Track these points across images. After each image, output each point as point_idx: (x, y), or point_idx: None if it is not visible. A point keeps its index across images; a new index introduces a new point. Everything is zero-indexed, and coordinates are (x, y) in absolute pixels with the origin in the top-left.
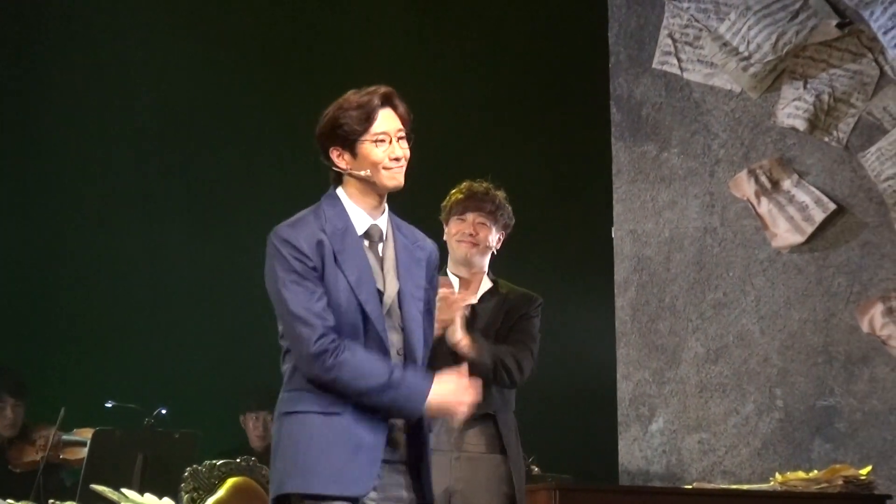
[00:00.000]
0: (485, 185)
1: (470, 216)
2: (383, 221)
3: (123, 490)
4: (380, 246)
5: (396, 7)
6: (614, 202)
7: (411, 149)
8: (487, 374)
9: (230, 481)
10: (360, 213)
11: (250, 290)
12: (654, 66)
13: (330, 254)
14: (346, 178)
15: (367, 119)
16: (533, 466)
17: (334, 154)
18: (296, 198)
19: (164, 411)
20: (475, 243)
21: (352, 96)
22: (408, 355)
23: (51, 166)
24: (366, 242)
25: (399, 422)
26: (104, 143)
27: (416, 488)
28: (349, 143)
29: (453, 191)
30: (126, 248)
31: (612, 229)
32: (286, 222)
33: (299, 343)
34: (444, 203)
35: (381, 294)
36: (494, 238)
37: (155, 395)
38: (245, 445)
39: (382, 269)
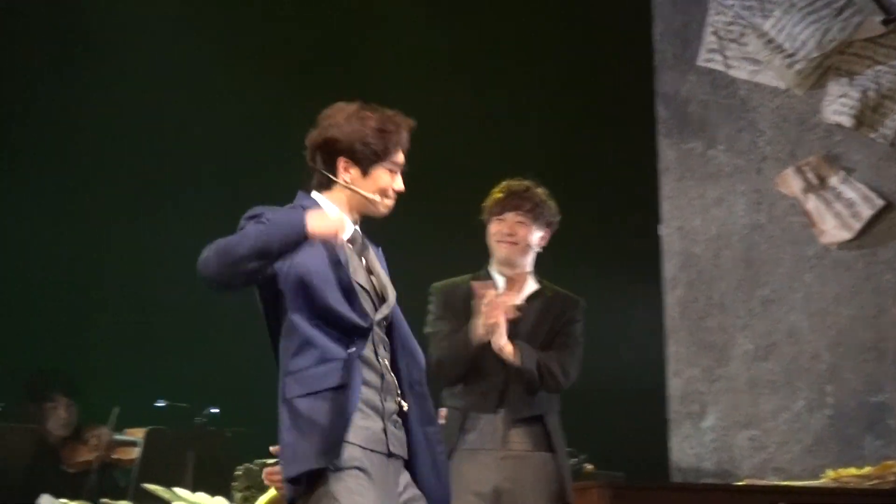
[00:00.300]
0: (524, 183)
1: (509, 216)
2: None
3: (176, 489)
4: (363, 253)
5: (434, 8)
6: (662, 199)
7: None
8: (533, 379)
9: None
10: (345, 219)
11: None
12: (698, 63)
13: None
14: (335, 187)
15: (393, 145)
16: (587, 464)
17: (341, 164)
18: None
19: (215, 410)
20: (514, 242)
21: (375, 115)
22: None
23: (99, 167)
24: (350, 246)
25: (394, 414)
26: (154, 143)
27: (420, 483)
28: (364, 162)
29: (494, 190)
30: (178, 247)
31: (660, 226)
32: None
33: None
34: (485, 202)
35: (374, 299)
36: (536, 237)
37: (206, 394)
38: None
39: (372, 275)
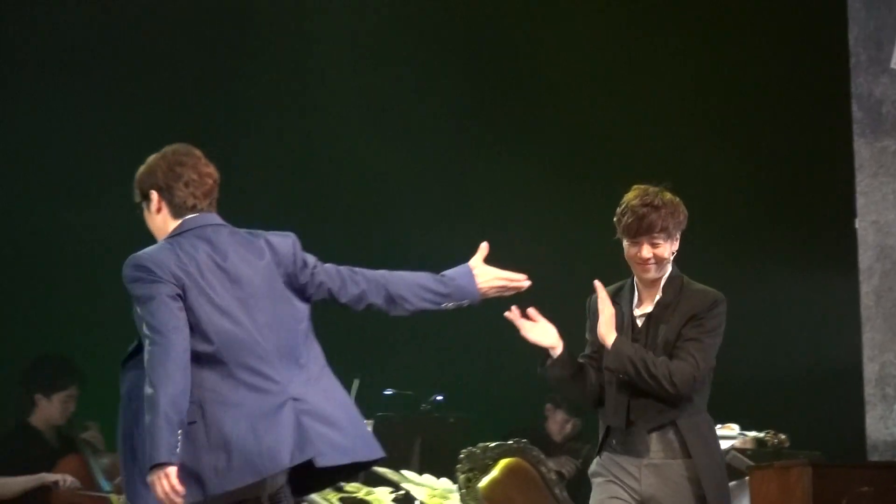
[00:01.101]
0: (651, 199)
1: (643, 240)
2: None
3: (404, 472)
4: None
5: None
6: (857, 195)
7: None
8: (633, 378)
9: (503, 462)
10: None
11: None
12: (892, 66)
13: None
14: None
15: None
16: (785, 442)
17: None
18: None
19: (439, 398)
20: (653, 265)
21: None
22: None
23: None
24: None
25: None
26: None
27: None
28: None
29: (624, 203)
30: (412, 244)
31: (856, 220)
32: None
33: None
34: (616, 216)
35: None
36: (672, 247)
37: (430, 382)
38: (517, 427)
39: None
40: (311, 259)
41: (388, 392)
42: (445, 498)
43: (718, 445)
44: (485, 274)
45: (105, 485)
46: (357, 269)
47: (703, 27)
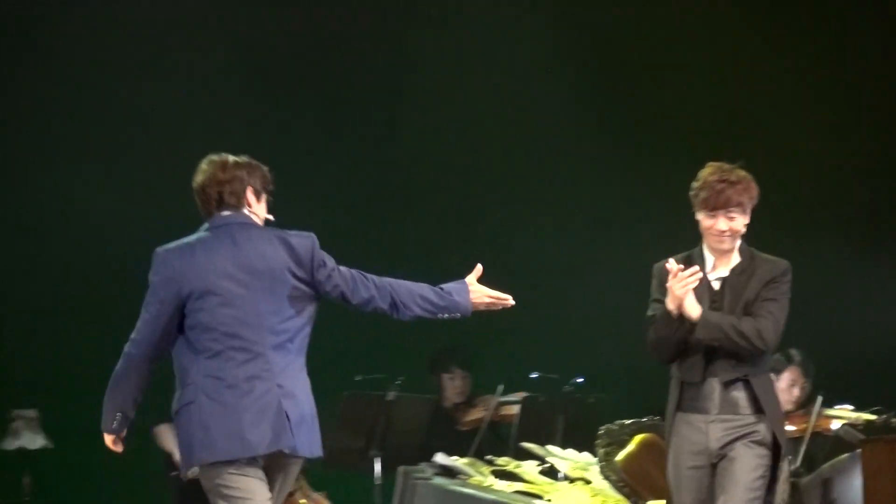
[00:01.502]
0: (727, 174)
1: (720, 213)
2: None
3: (549, 446)
4: None
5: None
6: None
7: None
8: (724, 343)
9: (639, 437)
10: None
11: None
12: None
13: None
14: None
15: None
16: (893, 418)
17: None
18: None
19: (580, 379)
20: (728, 237)
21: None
22: None
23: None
24: None
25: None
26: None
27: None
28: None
29: (701, 178)
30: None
31: None
32: None
33: None
34: (693, 191)
35: None
36: (745, 220)
37: (573, 366)
38: (652, 406)
39: None
40: (329, 261)
41: (535, 375)
42: (586, 470)
43: (780, 402)
44: (477, 292)
45: None
46: (368, 275)
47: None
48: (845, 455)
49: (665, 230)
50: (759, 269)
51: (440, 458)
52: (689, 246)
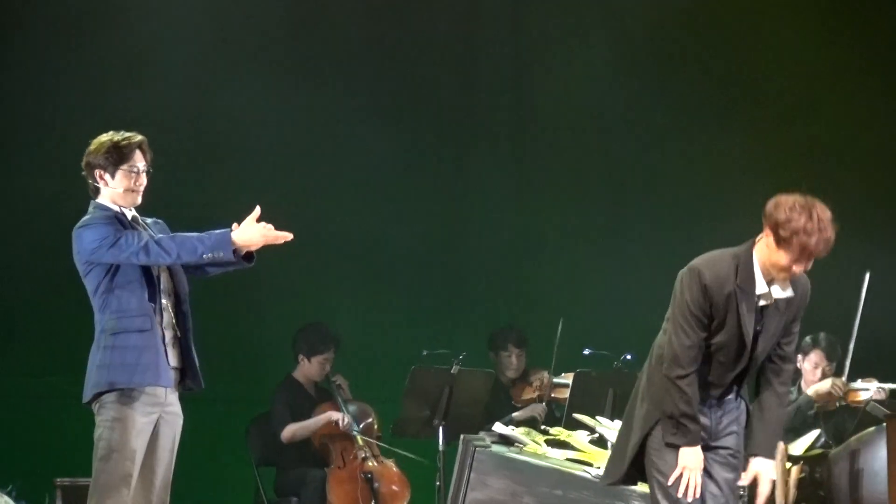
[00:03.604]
0: (829, 234)
1: (804, 263)
2: None
3: (599, 418)
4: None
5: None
6: None
7: None
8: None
9: None
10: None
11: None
12: None
13: None
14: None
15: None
16: None
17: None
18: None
19: (629, 356)
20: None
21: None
22: None
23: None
24: None
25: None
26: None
27: None
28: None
29: (814, 226)
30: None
31: None
32: None
33: None
34: (798, 232)
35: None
36: None
37: (623, 343)
38: None
39: None
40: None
41: (587, 352)
42: None
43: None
44: (248, 230)
45: (355, 426)
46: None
47: None
48: (872, 428)
49: (717, 217)
50: (796, 294)
51: (498, 427)
52: (736, 235)
